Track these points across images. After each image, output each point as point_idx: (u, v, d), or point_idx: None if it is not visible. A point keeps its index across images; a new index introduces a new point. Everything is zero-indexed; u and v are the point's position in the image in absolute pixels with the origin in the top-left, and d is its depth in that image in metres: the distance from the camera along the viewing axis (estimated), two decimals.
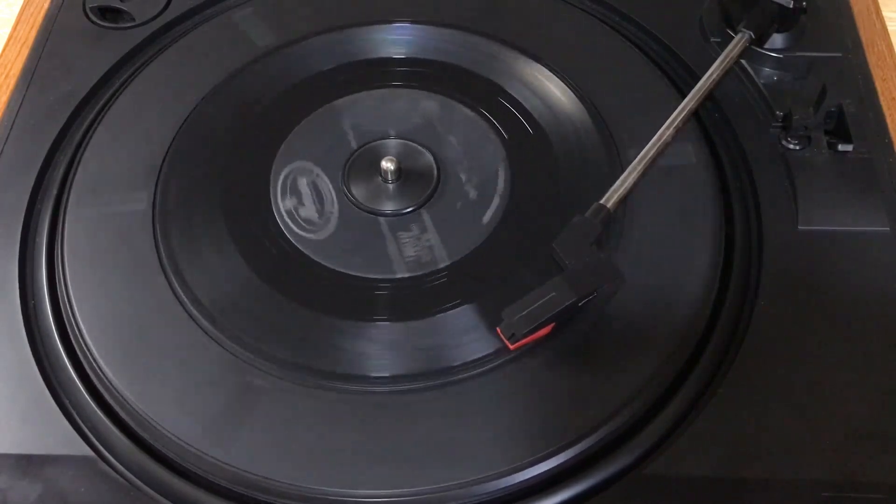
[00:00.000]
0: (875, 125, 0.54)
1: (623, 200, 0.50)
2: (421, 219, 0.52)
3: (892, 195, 0.51)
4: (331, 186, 0.53)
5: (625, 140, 0.54)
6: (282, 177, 0.53)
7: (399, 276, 0.49)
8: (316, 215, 0.52)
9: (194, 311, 0.47)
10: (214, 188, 0.53)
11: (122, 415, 0.45)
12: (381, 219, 0.52)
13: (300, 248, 0.50)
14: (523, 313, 0.44)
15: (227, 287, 0.49)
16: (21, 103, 0.57)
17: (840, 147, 0.53)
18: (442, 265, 0.50)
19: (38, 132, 0.56)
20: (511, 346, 0.45)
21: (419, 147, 0.54)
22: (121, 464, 0.44)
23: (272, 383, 0.45)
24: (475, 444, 0.43)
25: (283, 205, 0.52)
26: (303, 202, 0.52)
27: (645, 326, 0.47)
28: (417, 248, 0.50)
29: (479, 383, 0.45)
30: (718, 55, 0.56)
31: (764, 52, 0.57)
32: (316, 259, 0.50)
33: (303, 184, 0.53)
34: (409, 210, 0.52)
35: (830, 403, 0.44)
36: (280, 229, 0.51)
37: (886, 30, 0.61)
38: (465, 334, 0.47)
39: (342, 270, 0.49)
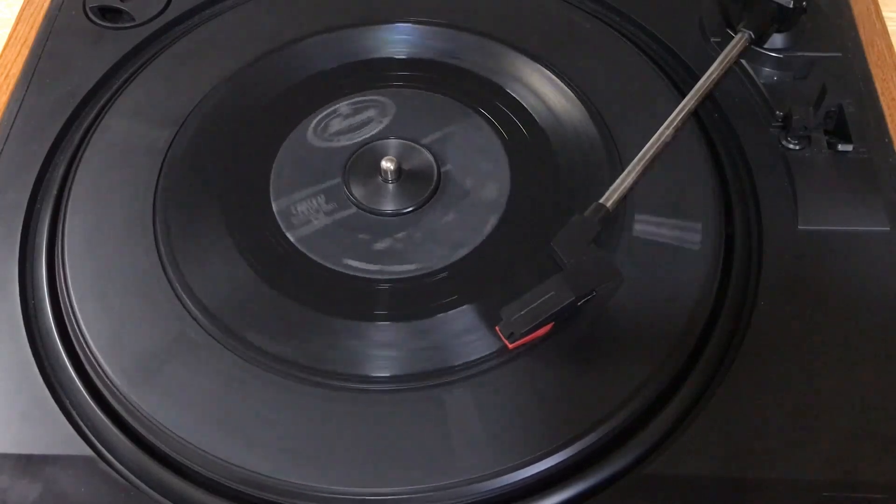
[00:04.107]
0: (875, 125, 0.54)
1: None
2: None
3: (892, 195, 0.51)
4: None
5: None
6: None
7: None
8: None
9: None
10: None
11: (123, 414, 0.45)
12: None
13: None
14: (522, 312, 0.44)
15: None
16: (21, 103, 0.57)
17: (840, 147, 0.53)
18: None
19: (38, 132, 0.56)
20: (510, 346, 0.45)
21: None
22: (121, 464, 0.44)
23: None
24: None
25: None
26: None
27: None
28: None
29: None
30: (718, 55, 0.56)
31: (764, 52, 0.57)
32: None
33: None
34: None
35: (830, 403, 0.44)
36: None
37: (886, 30, 0.61)
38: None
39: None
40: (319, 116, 0.56)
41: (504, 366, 0.45)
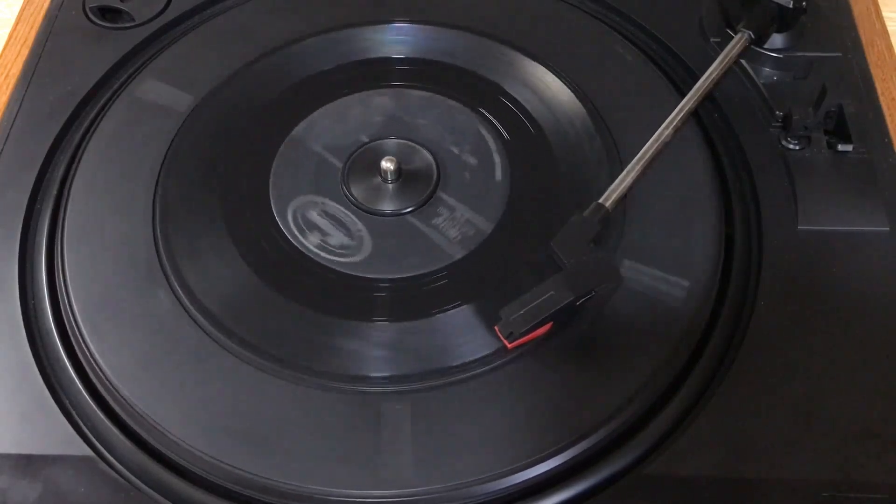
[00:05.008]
0: (875, 125, 0.54)
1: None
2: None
3: (892, 195, 0.51)
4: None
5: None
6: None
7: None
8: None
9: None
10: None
11: (122, 415, 0.45)
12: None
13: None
14: (521, 312, 0.44)
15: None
16: (21, 103, 0.57)
17: (840, 147, 0.53)
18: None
19: (38, 132, 0.56)
20: (509, 346, 0.45)
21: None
22: (121, 464, 0.44)
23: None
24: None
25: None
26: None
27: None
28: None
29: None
30: (718, 55, 0.56)
31: (764, 52, 0.57)
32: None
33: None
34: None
35: (830, 403, 0.44)
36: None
37: (886, 30, 0.61)
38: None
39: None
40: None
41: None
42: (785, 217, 0.51)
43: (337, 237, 0.51)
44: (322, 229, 0.51)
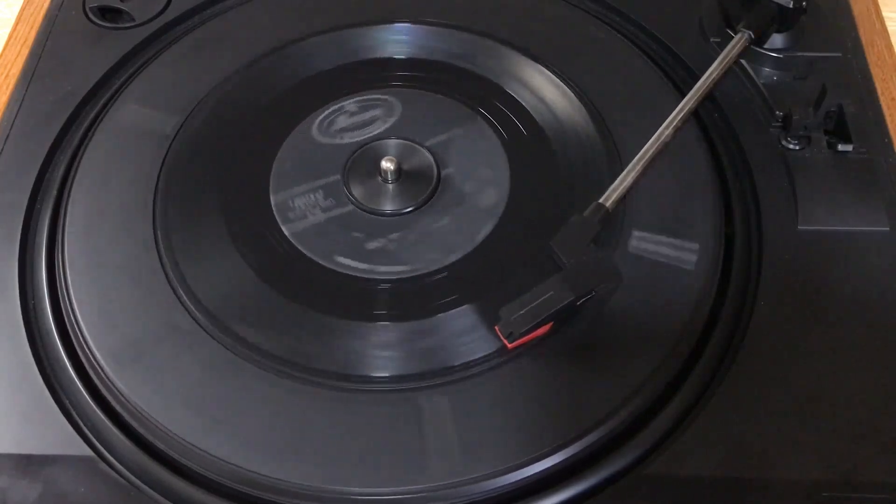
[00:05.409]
0: (875, 125, 0.54)
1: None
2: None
3: (892, 195, 0.51)
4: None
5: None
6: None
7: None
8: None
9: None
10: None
11: (123, 415, 0.45)
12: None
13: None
14: (521, 312, 0.44)
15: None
16: (21, 103, 0.57)
17: (840, 147, 0.53)
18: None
19: (38, 132, 0.56)
20: (509, 346, 0.45)
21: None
22: (121, 464, 0.44)
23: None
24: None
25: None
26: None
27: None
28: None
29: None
30: (718, 55, 0.56)
31: (764, 52, 0.57)
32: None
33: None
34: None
35: (830, 403, 0.44)
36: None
37: (886, 30, 0.61)
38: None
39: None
40: (320, 117, 0.56)
41: (503, 366, 0.45)
42: (785, 217, 0.51)
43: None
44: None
